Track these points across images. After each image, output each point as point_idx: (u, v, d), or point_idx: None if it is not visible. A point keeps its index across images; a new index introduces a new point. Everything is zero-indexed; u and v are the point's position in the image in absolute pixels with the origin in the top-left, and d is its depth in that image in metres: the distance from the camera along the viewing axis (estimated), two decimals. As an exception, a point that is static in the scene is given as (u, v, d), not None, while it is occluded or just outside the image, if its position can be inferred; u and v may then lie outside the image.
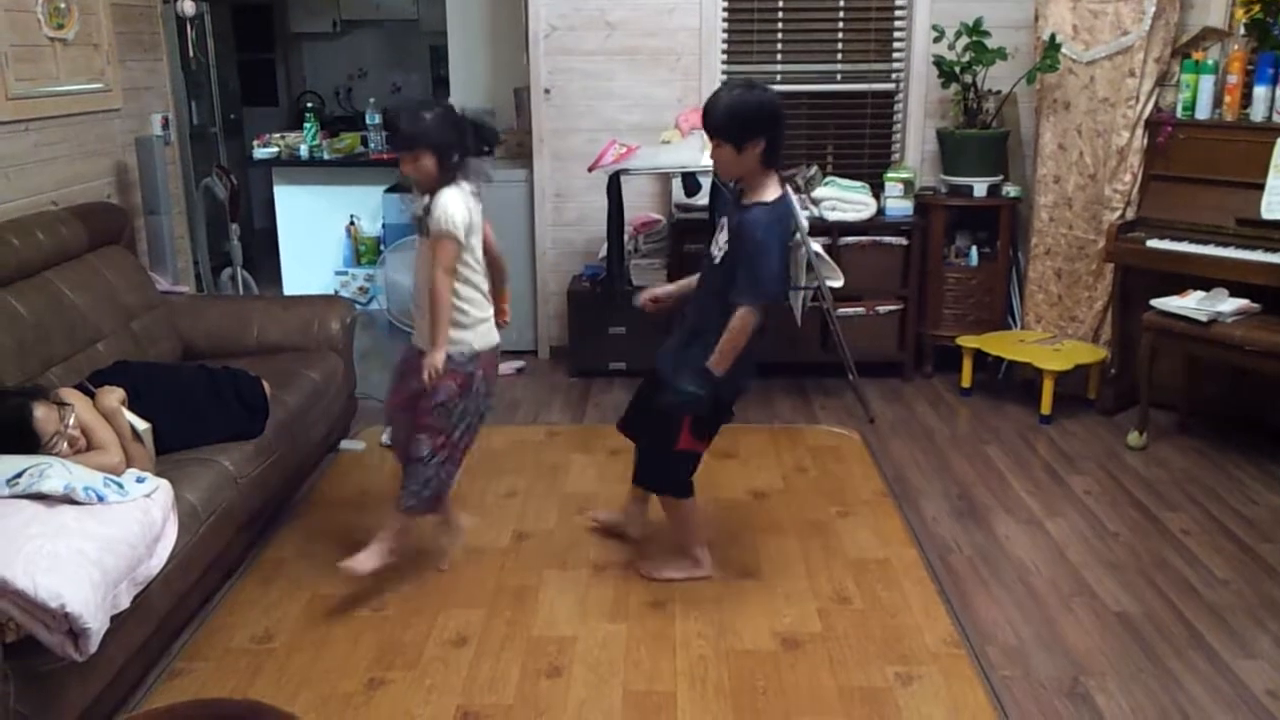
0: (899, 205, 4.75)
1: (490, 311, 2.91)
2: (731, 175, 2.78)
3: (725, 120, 2.65)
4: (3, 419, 2.52)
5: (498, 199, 4.97)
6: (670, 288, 3.09)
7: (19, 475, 2.32)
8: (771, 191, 2.72)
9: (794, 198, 4.36)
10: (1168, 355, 4.02)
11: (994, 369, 4.76)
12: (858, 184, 4.75)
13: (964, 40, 4.53)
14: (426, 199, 2.78)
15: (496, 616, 2.86)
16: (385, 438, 4.05)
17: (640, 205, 4.99)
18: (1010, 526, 3.41)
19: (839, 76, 5.01)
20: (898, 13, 4.91)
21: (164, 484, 2.59)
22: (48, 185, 3.71)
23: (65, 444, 2.56)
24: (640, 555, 3.16)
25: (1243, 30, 4.04)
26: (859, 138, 5.06)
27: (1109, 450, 4.02)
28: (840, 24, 5.00)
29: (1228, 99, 4.04)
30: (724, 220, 2.78)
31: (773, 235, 2.68)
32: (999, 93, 4.66)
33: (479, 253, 2.84)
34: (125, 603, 2.31)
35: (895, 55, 4.97)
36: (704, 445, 2.98)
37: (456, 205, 2.72)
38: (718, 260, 2.77)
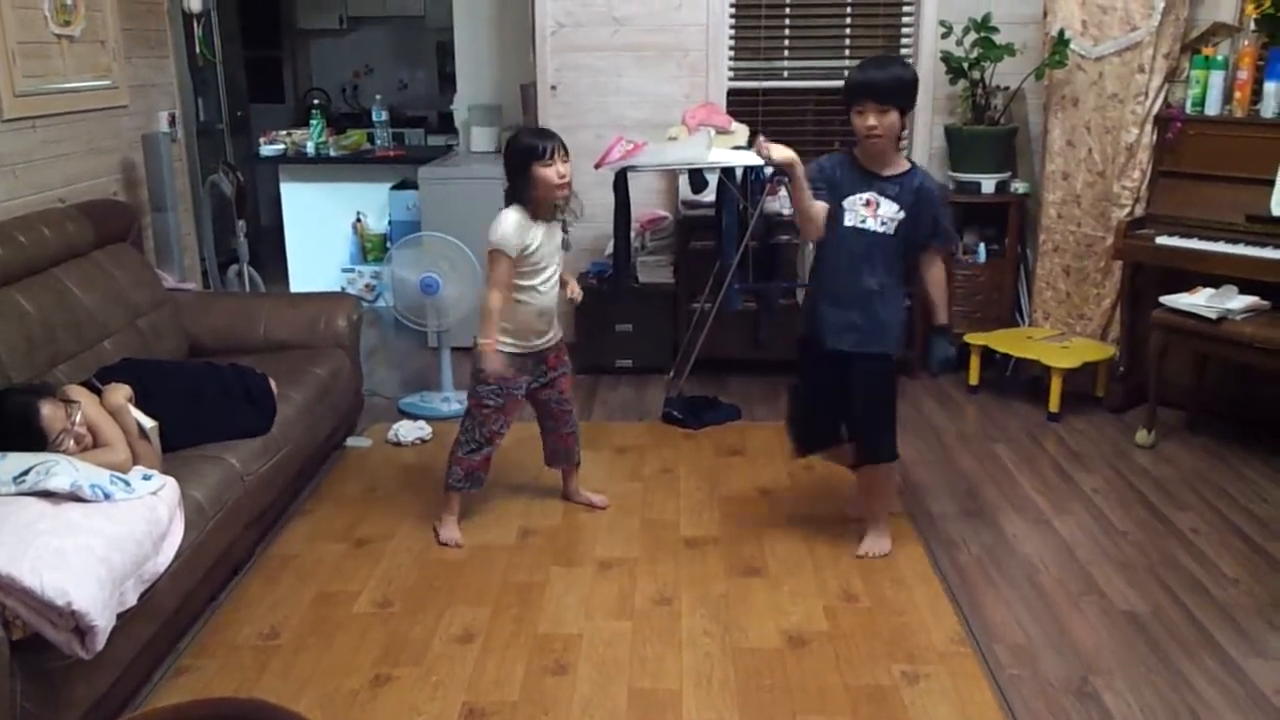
0: (906, 202, 4.73)
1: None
2: (890, 142, 2.92)
3: (899, 87, 2.87)
4: (10, 416, 2.53)
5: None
6: None
7: (26, 473, 2.33)
8: (904, 158, 3.00)
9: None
10: (1177, 353, 4.00)
11: (1002, 366, 4.75)
12: (865, 181, 4.73)
13: (972, 36, 4.51)
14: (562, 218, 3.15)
15: (502, 613, 2.86)
16: (392, 435, 4.06)
17: (647, 202, 4.99)
18: (1018, 525, 3.39)
19: (846, 73, 4.97)
20: (905, 8, 4.89)
21: (170, 481, 2.59)
22: (55, 182, 3.71)
23: (72, 441, 2.57)
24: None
25: (1253, 25, 4.02)
26: (866, 134, 5.04)
27: (1117, 448, 4.01)
28: (848, 20, 4.99)
29: (1238, 95, 4.02)
30: (868, 195, 2.93)
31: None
32: (1007, 89, 4.64)
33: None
34: (132, 600, 2.31)
35: (903, 51, 4.95)
36: None
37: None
38: (890, 229, 2.93)
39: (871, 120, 2.84)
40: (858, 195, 2.93)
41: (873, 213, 2.93)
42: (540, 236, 3.07)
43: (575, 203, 3.14)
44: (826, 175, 2.95)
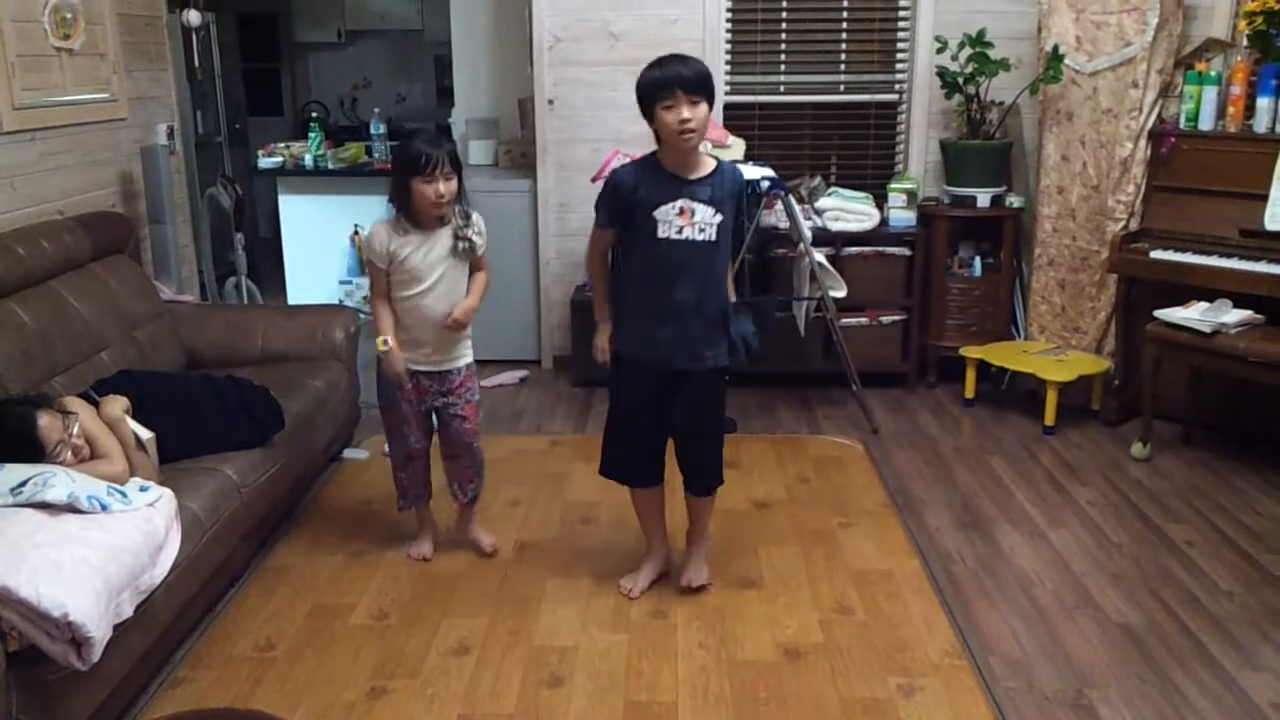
0: (902, 216, 4.76)
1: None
2: (700, 140, 2.68)
3: (704, 79, 2.63)
4: (7, 427, 2.53)
5: (501, 209, 4.99)
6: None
7: (23, 484, 2.33)
8: (708, 156, 2.79)
9: (797, 207, 4.38)
10: (1171, 366, 4.01)
11: (997, 379, 4.76)
12: (861, 194, 4.76)
13: (967, 51, 4.54)
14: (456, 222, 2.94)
15: (498, 625, 2.86)
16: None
17: (644, 215, 4.99)
18: (1013, 537, 3.40)
19: (842, 87, 5.02)
20: (901, 24, 4.92)
21: (167, 493, 2.59)
22: (53, 194, 3.72)
23: (69, 453, 2.57)
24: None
25: (1246, 41, 4.05)
26: (862, 148, 5.07)
27: (1112, 461, 4.02)
28: (844, 35, 5.01)
29: (1231, 110, 4.05)
30: (680, 203, 2.68)
31: None
32: (1002, 104, 4.67)
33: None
34: (128, 611, 2.31)
35: (899, 66, 4.98)
36: None
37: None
38: (710, 235, 2.71)
39: (685, 113, 2.57)
40: (669, 205, 2.68)
41: (688, 221, 2.68)
42: (414, 245, 2.90)
43: (462, 213, 2.94)
44: (627, 190, 2.71)
